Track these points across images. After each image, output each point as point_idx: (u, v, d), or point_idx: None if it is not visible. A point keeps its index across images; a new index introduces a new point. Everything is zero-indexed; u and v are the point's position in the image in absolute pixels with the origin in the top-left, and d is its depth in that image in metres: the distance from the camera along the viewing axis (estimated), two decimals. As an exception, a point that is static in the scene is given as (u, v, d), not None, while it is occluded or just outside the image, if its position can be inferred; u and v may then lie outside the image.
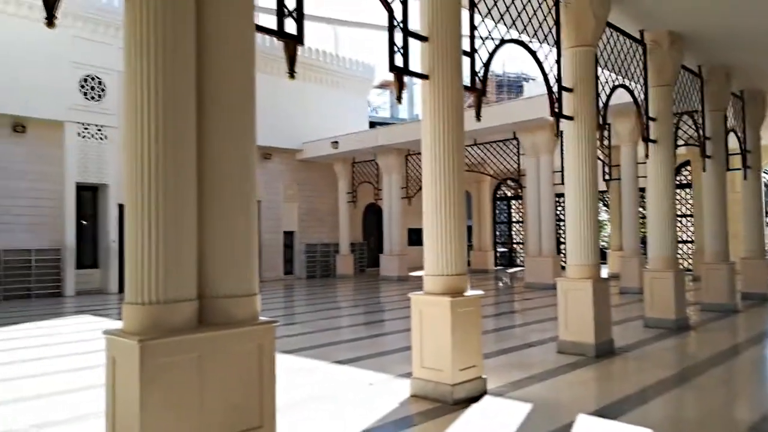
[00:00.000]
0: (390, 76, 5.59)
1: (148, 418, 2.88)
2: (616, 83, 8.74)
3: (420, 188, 17.27)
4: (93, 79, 16.30)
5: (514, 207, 26.75)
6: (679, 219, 19.73)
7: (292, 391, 5.64)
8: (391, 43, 5.30)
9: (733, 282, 11.25)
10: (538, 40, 7.33)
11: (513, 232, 26.93)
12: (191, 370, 3.05)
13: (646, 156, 9.50)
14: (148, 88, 3.08)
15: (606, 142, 15.70)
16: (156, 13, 3.09)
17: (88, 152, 16.30)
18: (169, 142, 3.09)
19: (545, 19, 7.38)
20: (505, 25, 6.73)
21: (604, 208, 23.35)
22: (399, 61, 5.34)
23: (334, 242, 22.48)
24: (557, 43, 7.52)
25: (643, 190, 17.34)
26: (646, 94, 9.36)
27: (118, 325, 3.21)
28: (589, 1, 7.32)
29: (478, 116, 6.03)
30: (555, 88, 7.37)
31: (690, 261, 19.47)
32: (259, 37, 3.70)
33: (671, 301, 9.13)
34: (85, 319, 11.35)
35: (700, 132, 10.98)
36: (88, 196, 16.85)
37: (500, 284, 18.37)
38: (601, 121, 7.93)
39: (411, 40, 5.41)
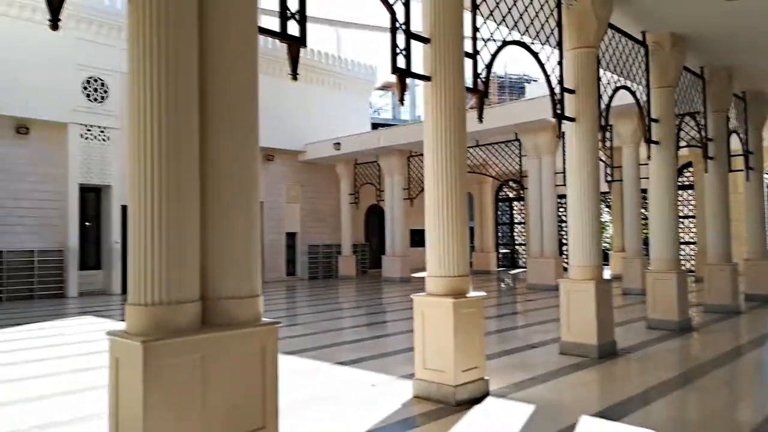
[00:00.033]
0: (392, 78, 5.61)
1: (151, 419, 2.89)
2: (618, 85, 8.74)
3: (422, 189, 17.19)
4: (96, 80, 16.34)
5: (516, 208, 26.74)
6: (681, 220, 19.72)
7: (295, 392, 5.64)
8: (394, 44, 5.31)
9: (736, 283, 11.23)
10: (540, 41, 7.34)
11: (515, 234, 26.91)
12: (194, 371, 3.06)
13: (648, 157, 9.49)
14: (152, 89, 3.09)
15: (608, 144, 15.67)
16: (159, 14, 3.11)
17: (91, 154, 16.34)
18: (172, 143, 3.11)
19: (547, 21, 7.39)
20: (507, 26, 6.74)
21: (606, 209, 23.33)
22: (401, 62, 5.35)
23: (336, 243, 22.49)
24: (559, 45, 7.52)
25: (645, 191, 17.33)
26: (648, 95, 9.36)
27: (121, 326, 3.22)
28: (591, 2, 7.33)
29: (480, 117, 6.03)
30: (557, 90, 7.37)
31: (692, 262, 19.44)
32: (261, 38, 3.71)
33: (674, 303, 9.12)
34: (87, 320, 11.37)
35: (702, 133, 10.97)
36: (92, 198, 16.89)
37: (502, 285, 18.36)
38: (603, 123, 7.93)
39: (413, 42, 5.42)
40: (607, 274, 16.68)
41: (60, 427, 4.84)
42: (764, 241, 13.14)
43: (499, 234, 26.81)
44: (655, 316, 9.29)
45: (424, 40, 5.51)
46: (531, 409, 5.06)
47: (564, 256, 19.48)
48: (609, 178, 17.03)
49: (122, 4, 16.28)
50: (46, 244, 15.72)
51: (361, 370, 6.70)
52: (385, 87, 38.20)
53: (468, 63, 5.80)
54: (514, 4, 6.83)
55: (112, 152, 16.57)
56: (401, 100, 5.53)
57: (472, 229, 24.37)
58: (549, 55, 7.36)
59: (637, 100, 9.20)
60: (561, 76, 7.44)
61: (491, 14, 6.45)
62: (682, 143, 10.64)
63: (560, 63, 7.47)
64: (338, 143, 20.24)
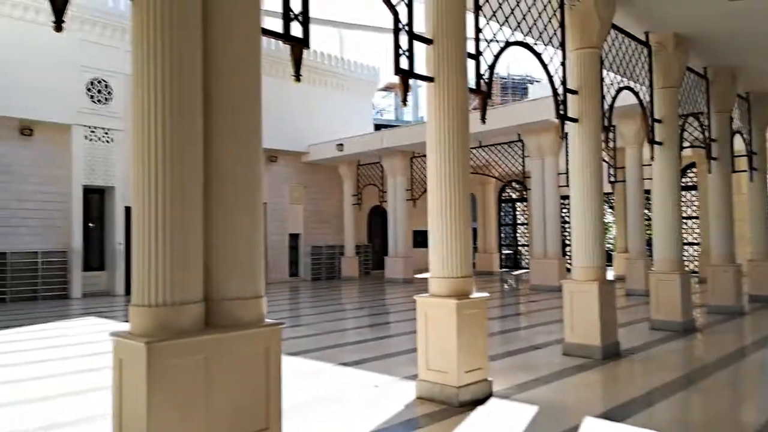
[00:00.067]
0: (395, 79, 5.60)
1: (154, 420, 2.89)
2: (621, 85, 8.73)
3: (425, 190, 17.28)
4: (100, 82, 16.38)
5: (519, 209, 26.71)
6: (684, 221, 19.67)
7: (298, 392, 5.65)
8: (397, 46, 5.32)
9: (740, 284, 11.20)
10: (543, 42, 7.33)
11: (518, 235, 26.89)
12: (198, 372, 3.07)
13: (652, 158, 9.48)
14: (155, 90, 3.10)
15: (611, 144, 15.67)
16: (163, 16, 3.12)
17: (95, 155, 16.38)
18: (176, 144, 3.12)
19: (550, 21, 7.39)
20: (510, 27, 6.74)
21: (609, 210, 23.28)
22: (404, 63, 5.35)
23: (339, 244, 22.50)
24: (562, 45, 7.52)
25: (648, 192, 17.30)
26: (651, 95, 9.35)
27: (124, 327, 3.23)
28: (594, 3, 7.32)
29: (483, 118, 6.04)
30: (560, 90, 7.37)
31: (696, 263, 19.39)
32: (264, 40, 3.72)
33: (677, 304, 9.10)
34: (91, 321, 11.40)
35: (706, 134, 10.94)
36: (95, 199, 16.93)
37: (505, 286, 18.34)
38: (606, 123, 7.92)
39: (416, 43, 5.42)
40: (610, 275, 16.66)
41: (63, 428, 4.85)
42: (768, 241, 13.10)
43: (502, 235, 26.78)
44: (659, 317, 9.27)
45: (427, 41, 5.51)
46: (534, 410, 5.06)
47: (567, 257, 19.45)
48: (612, 179, 16.99)
49: (126, 6, 16.33)
50: (50, 245, 15.76)
51: (364, 371, 6.70)
52: (387, 88, 38.20)
53: (471, 64, 5.80)
54: (517, 5, 6.84)
55: (115, 154, 16.60)
56: (404, 101, 5.53)
57: (475, 230, 24.34)
58: (552, 55, 7.36)
59: (641, 101, 9.19)
60: (564, 76, 7.44)
61: (494, 15, 6.46)
62: (686, 144, 10.63)
63: (563, 64, 7.46)
64: (341, 144, 20.25)
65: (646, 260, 14.63)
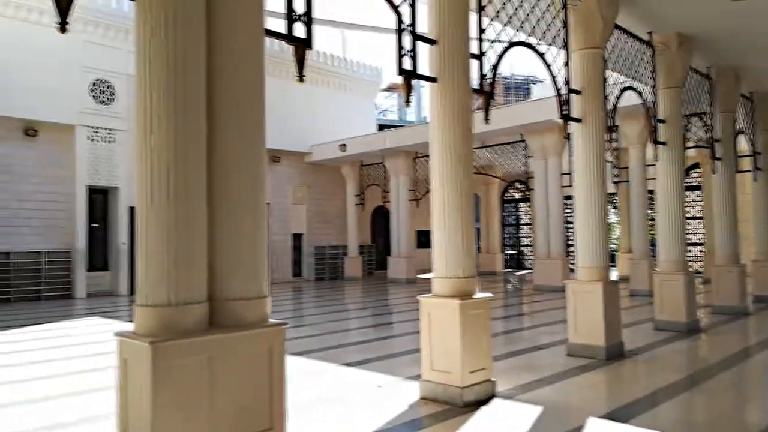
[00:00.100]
0: (398, 79, 5.61)
1: (159, 419, 2.90)
2: (625, 85, 8.72)
3: (428, 190, 17.22)
4: (103, 83, 16.43)
5: (522, 209, 26.66)
6: (688, 221, 19.61)
7: (301, 393, 5.65)
8: (400, 46, 5.32)
9: (744, 284, 11.17)
10: (546, 42, 7.33)
11: (521, 235, 26.84)
12: (202, 372, 3.08)
13: (655, 158, 9.46)
14: (159, 90, 3.10)
15: (614, 144, 15.61)
16: (166, 16, 3.12)
17: (99, 155, 16.42)
18: (179, 145, 3.12)
19: (553, 22, 7.38)
20: (513, 27, 6.73)
21: (613, 210, 23.24)
22: (407, 64, 5.35)
23: (342, 244, 22.51)
24: (565, 46, 7.51)
25: (652, 192, 17.25)
26: (654, 96, 9.33)
27: (128, 327, 3.23)
28: (597, 3, 7.32)
29: (486, 118, 6.03)
30: (563, 91, 7.36)
31: (700, 263, 19.34)
32: (267, 40, 3.72)
33: (681, 304, 9.08)
34: (95, 321, 11.42)
35: (710, 134, 10.92)
36: (99, 199, 16.97)
37: (509, 287, 18.32)
38: (609, 123, 7.91)
39: (419, 43, 5.42)
40: (614, 275, 16.62)
41: (67, 428, 4.86)
42: (773, 242, 13.05)
43: (506, 235, 26.73)
44: (663, 318, 9.25)
45: (430, 41, 5.51)
46: (538, 410, 5.05)
47: (570, 258, 19.41)
48: (616, 179, 16.95)
49: (129, 7, 16.35)
50: (54, 245, 15.81)
51: (368, 371, 6.70)
52: (390, 88, 38.22)
53: (474, 64, 5.80)
54: (520, 5, 6.83)
55: (119, 154, 16.65)
56: (407, 101, 5.53)
57: (478, 231, 24.32)
58: (555, 56, 7.35)
59: (644, 101, 9.18)
60: (567, 76, 7.43)
61: (497, 15, 6.45)
62: (690, 144, 10.61)
63: (566, 64, 7.46)
64: (344, 145, 20.26)
65: (650, 260, 14.60)
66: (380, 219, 24.07)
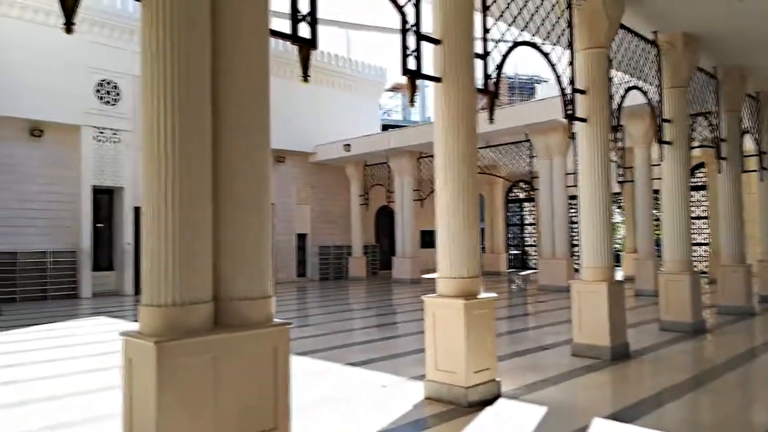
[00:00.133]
0: (402, 79, 5.60)
1: (164, 419, 2.91)
2: (630, 85, 8.69)
3: (432, 190, 17.14)
4: (108, 83, 16.48)
5: (526, 209, 26.64)
6: (694, 221, 19.54)
7: (306, 392, 5.65)
8: (404, 46, 5.32)
9: (750, 284, 11.13)
10: (551, 42, 7.31)
11: (526, 235, 26.81)
12: (207, 372, 3.08)
13: (661, 158, 9.43)
14: (164, 91, 3.11)
15: (619, 144, 15.59)
16: (172, 16, 3.13)
17: (104, 156, 16.48)
18: (184, 145, 3.13)
19: (558, 21, 7.37)
20: (518, 27, 6.72)
21: (618, 210, 23.17)
22: (412, 64, 5.35)
23: (346, 244, 22.53)
24: (570, 45, 7.49)
25: (657, 192, 17.18)
26: (660, 95, 9.30)
27: (133, 326, 3.24)
28: (602, 2, 7.30)
29: (490, 118, 6.02)
30: (568, 90, 7.34)
31: (706, 263, 19.27)
32: (271, 41, 3.73)
33: (687, 304, 9.05)
34: (100, 321, 11.46)
35: (715, 133, 10.88)
36: (104, 199, 17.03)
37: (513, 287, 18.29)
38: (614, 123, 7.89)
39: (423, 43, 5.42)
40: (619, 275, 16.58)
41: (72, 428, 4.88)
42: (779, 242, 13.00)
43: (510, 235, 26.71)
44: (668, 318, 9.22)
45: (434, 41, 5.51)
46: (543, 410, 5.04)
47: (575, 258, 19.38)
48: (621, 179, 16.91)
49: (135, 7, 16.40)
50: (59, 245, 15.87)
51: (372, 371, 6.70)
52: (395, 88, 38.20)
53: (478, 64, 5.79)
54: (525, 5, 6.82)
55: (124, 154, 16.70)
56: (412, 101, 5.53)
57: (482, 230, 24.30)
58: (560, 55, 7.33)
59: (649, 101, 9.14)
60: (572, 76, 7.41)
61: (502, 15, 6.44)
62: (695, 143, 10.57)
63: (571, 63, 7.44)
64: (348, 145, 20.27)
65: (655, 260, 14.54)
66: (384, 219, 24.07)
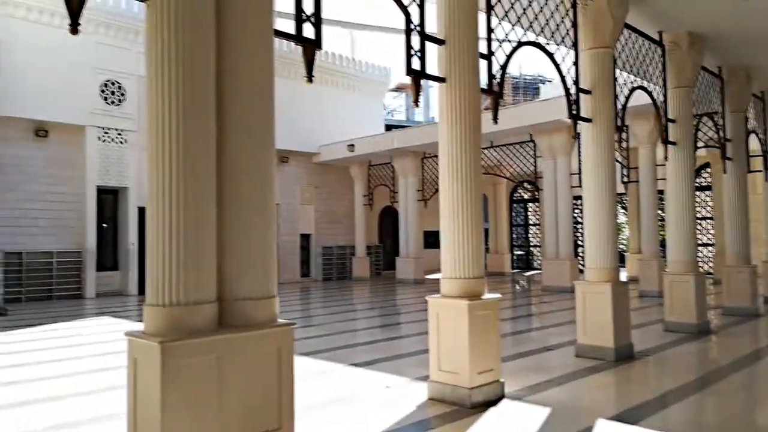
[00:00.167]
0: (406, 80, 5.62)
1: (168, 419, 2.91)
2: (635, 85, 8.67)
3: (436, 190, 17.26)
4: (113, 83, 16.53)
5: (530, 209, 26.58)
6: (699, 221, 19.47)
7: (310, 393, 5.66)
8: (408, 46, 5.32)
9: (755, 285, 11.08)
10: (555, 42, 7.30)
11: (530, 235, 26.76)
12: (211, 372, 3.09)
13: (666, 158, 9.40)
14: (169, 92, 3.12)
15: (624, 144, 15.55)
16: (176, 17, 3.14)
17: (109, 156, 16.53)
18: (189, 145, 3.13)
19: (562, 21, 7.35)
20: (522, 27, 6.71)
21: (623, 210, 23.12)
22: (416, 64, 5.35)
23: (350, 245, 22.54)
24: (575, 45, 7.48)
25: (661, 192, 17.10)
26: (665, 95, 9.27)
27: (137, 326, 3.25)
28: (607, 2, 7.28)
29: (495, 118, 6.02)
30: (573, 90, 7.33)
31: (711, 264, 19.21)
32: (276, 41, 3.73)
33: (692, 305, 9.02)
34: (105, 321, 11.50)
35: (721, 134, 10.84)
36: (109, 200, 17.09)
37: (517, 287, 18.27)
38: (619, 123, 7.87)
39: (428, 44, 5.42)
40: (623, 276, 16.53)
41: (76, 428, 4.89)
42: (784, 242, 12.94)
43: (514, 235, 26.65)
44: (673, 319, 9.19)
45: (438, 41, 5.50)
46: (547, 412, 5.03)
47: (579, 258, 19.33)
48: (625, 179, 16.88)
49: (139, 8, 16.44)
50: (65, 245, 15.93)
51: (376, 371, 6.70)
52: (399, 88, 38.20)
53: (483, 64, 5.78)
54: (529, 5, 6.81)
55: (129, 154, 16.75)
56: (416, 101, 5.53)
57: (486, 231, 24.27)
58: (564, 55, 7.32)
59: (654, 101, 9.12)
60: (577, 76, 7.40)
61: (506, 15, 6.43)
62: (700, 144, 10.53)
63: (576, 63, 7.43)
64: (352, 145, 20.28)
65: (660, 261, 14.51)
66: (388, 219, 24.08)
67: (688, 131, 9.37)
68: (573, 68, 7.39)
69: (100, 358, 7.72)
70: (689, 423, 4.99)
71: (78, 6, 2.99)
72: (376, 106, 24.83)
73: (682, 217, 9.29)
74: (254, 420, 3.26)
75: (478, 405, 5.13)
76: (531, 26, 6.86)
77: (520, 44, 6.51)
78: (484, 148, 16.49)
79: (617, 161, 14.28)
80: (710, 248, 19.92)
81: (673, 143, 9.27)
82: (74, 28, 3.01)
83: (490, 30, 6.01)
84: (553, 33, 7.25)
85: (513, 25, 6.52)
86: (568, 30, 7.43)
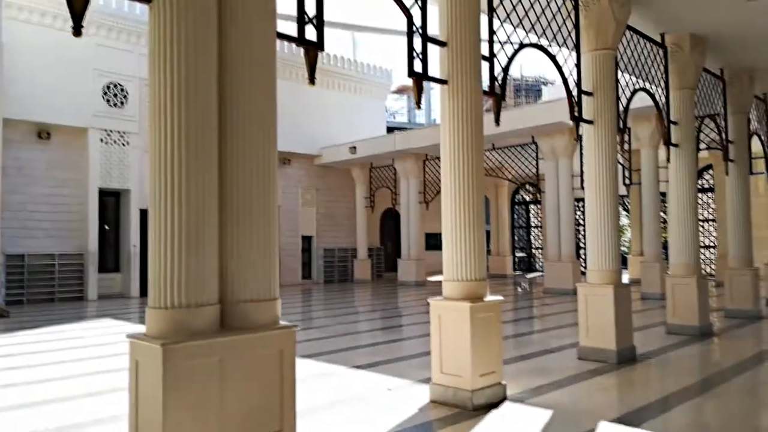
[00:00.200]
0: (407, 82, 5.61)
1: (170, 420, 2.91)
2: (637, 87, 8.66)
3: (438, 193, 17.28)
4: (116, 86, 16.57)
5: (532, 212, 26.59)
6: (701, 224, 19.45)
7: (311, 395, 5.65)
8: (410, 48, 5.32)
9: (758, 288, 11.05)
10: (558, 43, 7.30)
11: (532, 237, 26.74)
12: (213, 374, 3.08)
13: (668, 160, 9.39)
14: (172, 94, 3.12)
15: (626, 146, 15.54)
16: (179, 21, 3.14)
17: (111, 158, 16.56)
18: (192, 148, 3.13)
19: (564, 23, 7.35)
20: (524, 29, 6.71)
21: (625, 212, 23.10)
22: (418, 66, 5.35)
23: (351, 247, 22.53)
24: (577, 47, 7.48)
25: (664, 194, 17.08)
26: (667, 97, 9.26)
27: (139, 328, 3.25)
28: (609, 4, 7.28)
29: (497, 120, 6.02)
30: (575, 92, 7.32)
31: (713, 266, 19.17)
32: (278, 43, 3.73)
33: (694, 307, 9.00)
34: (106, 323, 11.50)
35: (723, 135, 10.82)
36: (111, 202, 17.11)
37: (519, 289, 18.25)
38: (621, 125, 7.86)
39: (430, 46, 5.42)
40: (625, 278, 16.51)
41: (79, 430, 4.89)
42: (787, 245, 12.91)
43: (516, 238, 26.67)
44: (675, 321, 9.17)
45: (440, 43, 5.51)
46: (549, 414, 5.02)
47: (581, 260, 19.32)
48: (627, 181, 16.86)
49: (142, 10, 16.49)
50: (67, 247, 15.95)
51: (378, 374, 6.69)
52: (400, 90, 38.21)
53: (484, 66, 5.78)
54: (531, 7, 6.81)
55: (131, 157, 16.78)
56: (418, 103, 5.53)
57: (488, 233, 24.26)
58: (566, 57, 7.32)
59: (657, 103, 9.11)
60: (579, 78, 7.39)
61: (508, 17, 6.43)
62: (702, 145, 10.53)
63: (578, 65, 7.42)
64: (354, 147, 20.29)
65: (662, 263, 14.49)
66: (390, 221, 24.08)
67: (690, 133, 9.36)
68: (575, 70, 7.39)
69: (102, 361, 7.72)
70: (692, 426, 4.98)
71: (81, 8, 3.00)
72: (378, 108, 24.84)
73: (684, 219, 9.27)
74: (256, 422, 3.26)
75: (480, 407, 5.12)
76: (533, 28, 6.86)
77: (522, 46, 6.51)
78: (486, 150, 16.49)
79: (619, 163, 14.25)
80: (712, 250, 19.89)
81: (675, 145, 9.26)
82: (77, 31, 3.01)
83: (492, 32, 6.01)
84: (555, 35, 7.25)
85: (515, 27, 6.52)
86: (570, 32, 7.43)
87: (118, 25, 16.62)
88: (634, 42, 8.62)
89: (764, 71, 11.00)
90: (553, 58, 7.09)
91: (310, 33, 4.15)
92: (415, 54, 5.34)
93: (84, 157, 16.21)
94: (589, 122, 7.41)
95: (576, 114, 7.31)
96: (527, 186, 22.41)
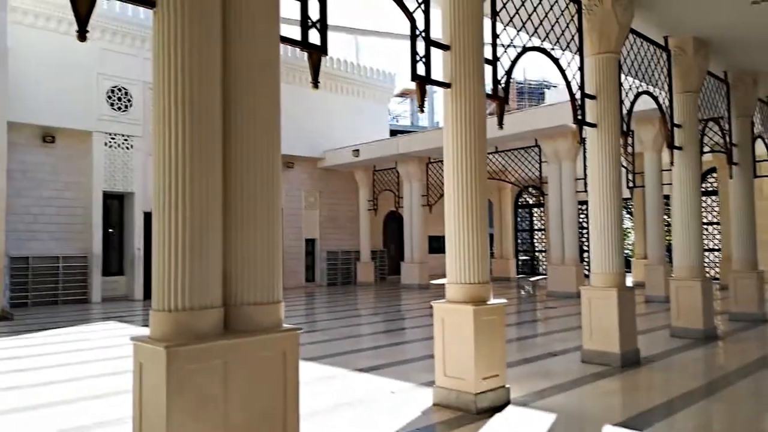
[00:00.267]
0: (411, 85, 5.63)
1: (173, 423, 2.91)
2: (640, 90, 8.65)
3: (441, 196, 17.29)
4: (120, 90, 16.63)
5: (536, 215, 26.55)
6: (705, 226, 19.40)
7: (314, 398, 5.65)
8: (414, 52, 5.33)
9: (762, 291, 11.02)
10: (561, 47, 7.30)
11: (535, 240, 26.71)
12: (216, 377, 3.09)
13: (671, 163, 9.38)
14: (176, 98, 3.13)
15: (630, 149, 15.52)
16: (183, 25, 3.15)
17: (115, 161, 16.61)
18: (195, 152, 3.14)
19: (568, 27, 7.36)
20: (527, 32, 6.72)
21: (628, 215, 23.05)
22: (421, 70, 5.36)
23: (354, 250, 22.53)
24: (580, 50, 7.48)
25: (667, 197, 17.07)
26: (670, 100, 9.26)
27: (143, 331, 3.26)
28: (612, 7, 7.28)
29: (500, 124, 6.02)
30: (578, 95, 7.33)
31: (717, 269, 19.11)
32: (281, 47, 3.75)
33: (698, 311, 8.97)
34: (110, 326, 11.52)
35: (727, 138, 10.81)
36: (115, 205, 17.16)
37: (522, 293, 18.22)
38: (624, 128, 7.86)
39: (433, 49, 5.43)
40: (629, 281, 16.48)
41: None
42: (791, 248, 12.87)
43: (519, 241, 26.63)
44: (679, 325, 9.14)
45: (443, 47, 5.52)
46: (552, 418, 5.01)
47: (585, 263, 19.28)
48: (631, 184, 16.84)
49: (146, 15, 16.57)
50: (71, 250, 15.99)
51: (381, 377, 6.69)
52: (403, 94, 38.29)
53: (488, 69, 5.79)
54: (535, 10, 6.81)
55: (135, 160, 16.83)
56: (421, 106, 5.53)
57: (491, 236, 24.24)
58: (570, 60, 7.32)
59: (660, 106, 9.10)
60: (582, 81, 7.39)
61: (511, 20, 6.44)
62: (706, 148, 10.50)
63: (581, 68, 7.42)
64: (357, 150, 20.32)
65: (666, 266, 14.46)
66: (393, 224, 24.08)
67: (693, 136, 9.35)
68: (578, 73, 7.39)
69: (107, 363, 7.74)
70: (696, 430, 4.96)
71: (86, 12, 3.01)
72: (381, 111, 24.87)
73: (688, 222, 9.26)
74: (259, 424, 3.26)
75: (484, 411, 5.11)
76: (536, 31, 6.87)
77: (525, 49, 6.52)
78: (488, 153, 16.49)
79: (623, 166, 14.23)
80: (717, 253, 19.83)
81: (679, 148, 9.25)
82: (82, 35, 3.03)
83: (495, 35, 6.02)
84: (558, 38, 7.26)
85: (518, 31, 6.53)
86: (573, 35, 7.43)
87: (123, 29, 16.69)
88: (638, 45, 8.62)
89: (768, 74, 11.00)
90: (556, 61, 7.09)
91: (314, 37, 4.17)
92: (418, 57, 5.35)
93: (88, 160, 16.27)
94: (593, 125, 7.41)
95: (579, 117, 7.31)
96: (530, 189, 22.39)
